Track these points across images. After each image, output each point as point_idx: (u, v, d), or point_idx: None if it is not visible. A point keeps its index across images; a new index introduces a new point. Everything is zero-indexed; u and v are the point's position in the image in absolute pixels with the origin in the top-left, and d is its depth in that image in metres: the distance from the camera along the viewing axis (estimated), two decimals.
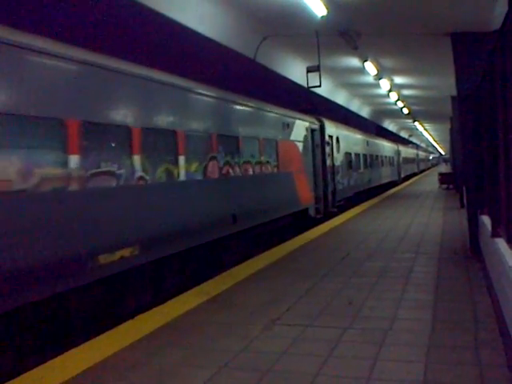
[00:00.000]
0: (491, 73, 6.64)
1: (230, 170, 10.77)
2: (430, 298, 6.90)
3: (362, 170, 26.39)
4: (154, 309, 6.89)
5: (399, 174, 44.08)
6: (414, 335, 5.50)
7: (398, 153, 44.28)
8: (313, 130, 17.33)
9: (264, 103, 13.46)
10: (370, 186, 28.64)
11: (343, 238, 12.94)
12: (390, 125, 45.88)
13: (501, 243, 6.01)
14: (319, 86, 13.37)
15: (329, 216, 18.03)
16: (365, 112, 31.85)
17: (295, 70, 16.00)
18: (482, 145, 9.03)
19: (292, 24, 11.71)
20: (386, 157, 36.38)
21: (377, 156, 32.12)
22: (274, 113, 13.90)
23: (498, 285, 6.06)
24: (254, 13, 10.94)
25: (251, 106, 12.40)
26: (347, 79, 20.48)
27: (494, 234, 6.72)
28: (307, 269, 9.23)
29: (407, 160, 54.38)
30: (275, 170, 13.52)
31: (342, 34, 12.40)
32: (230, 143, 10.89)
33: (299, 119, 16.00)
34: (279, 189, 13.82)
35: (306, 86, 14.02)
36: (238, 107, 11.68)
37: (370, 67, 16.27)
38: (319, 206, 17.45)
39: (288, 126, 14.72)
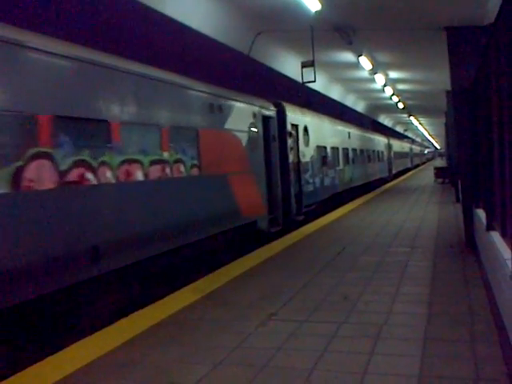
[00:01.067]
0: (486, 67, 6.63)
1: (89, 175, 6.76)
2: (426, 292, 6.91)
3: (341, 166, 22.08)
4: (149, 306, 6.87)
5: (390, 170, 39.60)
6: (410, 329, 5.51)
7: (389, 147, 40.37)
8: (266, 118, 13.43)
9: (172, 73, 9.42)
10: (353, 186, 24.49)
11: (339, 232, 12.94)
12: (385, 119, 45.95)
13: (495, 236, 6.03)
14: (314, 81, 13.37)
15: (293, 226, 14.47)
16: (360, 107, 31.89)
17: (290, 66, 15.99)
18: (477, 139, 9.04)
19: (286, 19, 11.70)
20: (374, 151, 32.07)
21: (362, 150, 27.85)
22: (192, 89, 9.81)
23: (493, 278, 6.08)
24: (248, 8, 10.92)
25: (143, 76, 8.20)
26: (342, 74, 20.49)
27: (489, 228, 6.74)
28: (303, 264, 9.22)
29: (400, 155, 49.55)
30: (194, 171, 9.47)
31: (337, 29, 12.40)
32: (91, 131, 6.96)
33: (241, 102, 11.94)
34: (200, 199, 9.62)
35: (300, 81, 14.01)
36: (112, 75, 7.46)
37: (365, 62, 16.27)
38: (276, 216, 13.68)
39: (220, 110, 10.69)
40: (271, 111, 13.88)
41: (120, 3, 10.56)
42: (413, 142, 74.50)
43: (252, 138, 12.36)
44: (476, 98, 8.79)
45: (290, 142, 14.74)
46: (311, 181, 16.86)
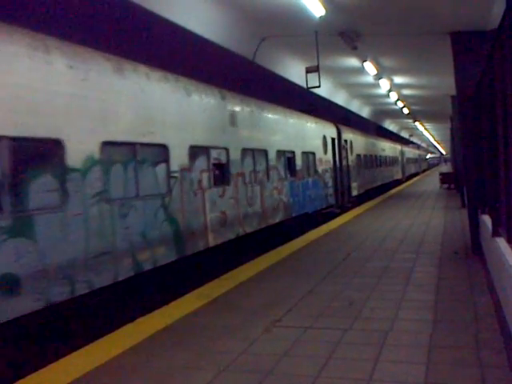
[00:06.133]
0: (490, 71, 6.62)
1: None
2: (431, 298, 6.88)
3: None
4: (154, 312, 6.88)
5: (344, 191, 21.41)
6: (415, 336, 5.48)
7: (342, 146, 21.77)
8: None
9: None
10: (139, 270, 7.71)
11: (344, 238, 12.91)
12: (390, 125, 45.87)
13: (501, 242, 6.00)
14: (318, 86, 13.35)
15: None
16: (365, 112, 31.83)
17: (294, 71, 15.99)
18: (482, 144, 9.01)
19: (291, 24, 11.71)
20: (283, 153, 14.63)
21: (224, 152, 10.91)
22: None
23: (499, 284, 6.05)
24: (253, 14, 10.94)
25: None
26: (347, 79, 20.46)
27: (495, 234, 6.71)
28: (308, 270, 9.21)
29: (376, 161, 31.39)
30: None
31: (341, 34, 12.38)
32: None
33: None
34: None
35: (305, 86, 14.01)
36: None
37: (370, 67, 16.26)
38: None
39: None
40: None
41: (125, 8, 10.63)
42: (408, 143, 58.32)
43: None
44: (481, 103, 8.77)
45: None
46: None
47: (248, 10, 10.67)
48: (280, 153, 14.34)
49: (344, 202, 21.27)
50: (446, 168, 65.90)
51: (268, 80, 16.47)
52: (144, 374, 4.80)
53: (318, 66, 13.00)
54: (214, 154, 10.48)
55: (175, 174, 8.90)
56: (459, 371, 4.51)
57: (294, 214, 15.18)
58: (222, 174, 10.86)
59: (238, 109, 11.97)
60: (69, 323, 6.84)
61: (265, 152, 13.28)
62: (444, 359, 4.78)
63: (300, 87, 16.16)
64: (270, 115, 14.14)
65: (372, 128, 38.01)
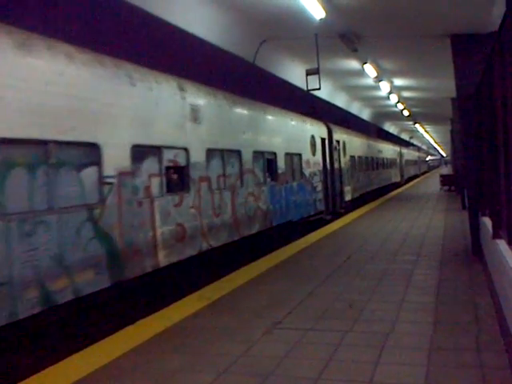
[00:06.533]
0: (490, 74, 6.62)
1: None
2: (432, 300, 6.87)
3: None
4: (154, 314, 6.86)
5: (329, 199, 19.19)
6: (416, 338, 5.47)
7: (333, 147, 19.84)
8: None
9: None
10: None
11: (344, 240, 12.90)
12: (390, 127, 45.89)
13: (502, 244, 5.99)
14: (319, 88, 13.37)
15: None
16: (365, 114, 31.86)
17: (294, 73, 16.01)
18: (483, 146, 9.01)
19: (291, 27, 11.73)
20: (261, 154, 13.03)
21: None
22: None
23: (500, 286, 6.04)
24: (253, 16, 10.96)
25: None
26: (347, 82, 20.50)
27: (495, 236, 6.70)
28: (308, 272, 9.20)
29: (372, 163, 29.54)
30: None
31: (341, 37, 12.41)
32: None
33: None
34: None
35: (305, 88, 14.02)
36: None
37: (370, 69, 16.28)
38: None
39: None
40: None
41: (126, 10, 10.65)
42: (407, 144, 58.61)
43: None
44: (481, 105, 8.77)
45: None
46: None
47: (248, 12, 10.69)
48: (257, 154, 12.49)
49: (336, 207, 19.56)
50: (446, 170, 65.79)
51: (268, 82, 16.45)
52: (144, 376, 4.79)
53: (318, 69, 13.01)
54: (168, 155, 8.67)
55: (110, 180, 7.10)
56: (460, 373, 4.50)
57: (274, 223, 13.42)
58: (179, 179, 9.14)
59: (201, 102, 9.96)
60: (69, 325, 6.83)
61: (238, 153, 11.41)
62: (445, 361, 4.77)
63: (300, 89, 16.18)
64: (244, 111, 12.25)
65: (372, 130, 37.97)
